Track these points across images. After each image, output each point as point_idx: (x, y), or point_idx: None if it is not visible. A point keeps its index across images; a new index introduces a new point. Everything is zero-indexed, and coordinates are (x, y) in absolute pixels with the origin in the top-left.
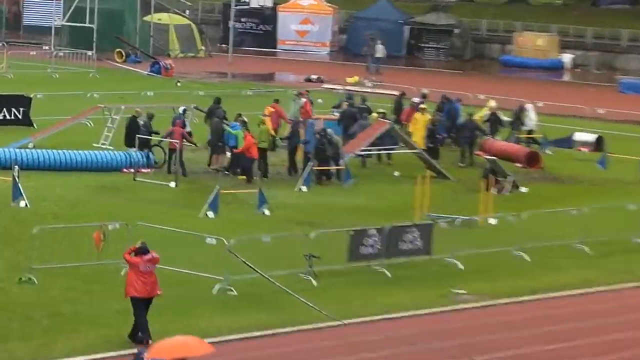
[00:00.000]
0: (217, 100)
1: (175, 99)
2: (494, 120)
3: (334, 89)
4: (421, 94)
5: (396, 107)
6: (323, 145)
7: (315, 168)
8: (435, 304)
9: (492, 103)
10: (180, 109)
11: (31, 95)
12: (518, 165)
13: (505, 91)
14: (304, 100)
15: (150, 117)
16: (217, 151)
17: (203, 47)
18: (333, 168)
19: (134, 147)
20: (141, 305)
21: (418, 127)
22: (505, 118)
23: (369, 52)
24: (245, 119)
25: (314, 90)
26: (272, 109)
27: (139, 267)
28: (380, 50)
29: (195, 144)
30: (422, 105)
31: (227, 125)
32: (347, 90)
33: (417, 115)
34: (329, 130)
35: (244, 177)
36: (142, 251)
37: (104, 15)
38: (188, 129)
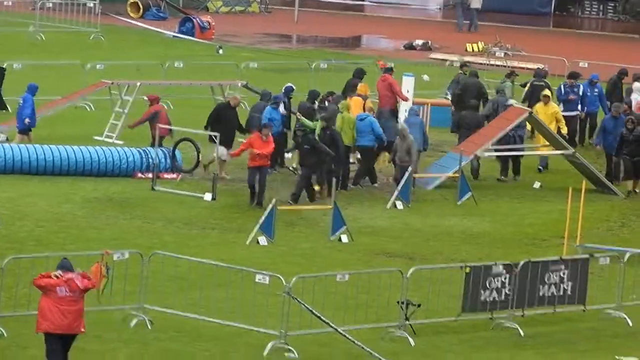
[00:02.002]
0: (358, 73)
1: (215, 73)
2: None
3: (448, 60)
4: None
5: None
6: (310, 144)
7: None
8: None
9: None
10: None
11: (4, 65)
12: None
13: None
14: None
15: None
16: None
17: None
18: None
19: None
20: (57, 345)
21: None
22: None
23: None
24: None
25: (417, 62)
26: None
27: (56, 291)
28: None
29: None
30: (545, 93)
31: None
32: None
33: (539, 106)
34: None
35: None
36: (60, 269)
37: None
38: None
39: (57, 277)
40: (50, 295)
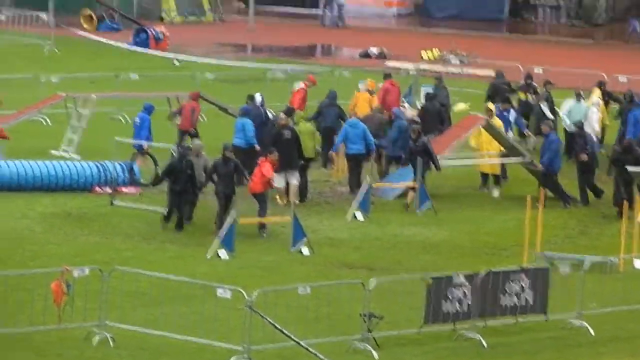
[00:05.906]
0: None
1: (171, 85)
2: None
3: (403, 68)
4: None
5: (490, 95)
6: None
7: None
8: None
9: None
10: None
11: None
12: None
13: None
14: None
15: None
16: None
17: (211, 8)
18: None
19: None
20: None
21: (486, 140)
22: None
23: None
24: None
25: (373, 70)
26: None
27: None
28: None
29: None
30: (489, 105)
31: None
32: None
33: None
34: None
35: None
36: None
37: None
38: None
39: None
40: None
